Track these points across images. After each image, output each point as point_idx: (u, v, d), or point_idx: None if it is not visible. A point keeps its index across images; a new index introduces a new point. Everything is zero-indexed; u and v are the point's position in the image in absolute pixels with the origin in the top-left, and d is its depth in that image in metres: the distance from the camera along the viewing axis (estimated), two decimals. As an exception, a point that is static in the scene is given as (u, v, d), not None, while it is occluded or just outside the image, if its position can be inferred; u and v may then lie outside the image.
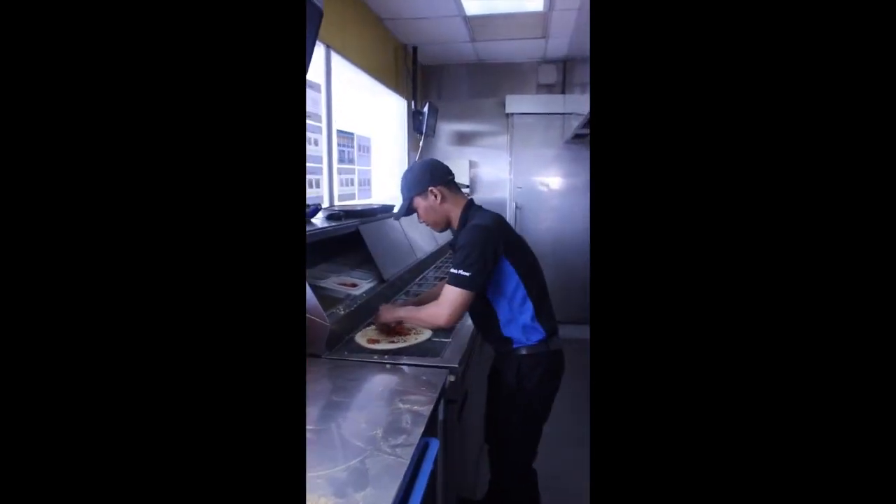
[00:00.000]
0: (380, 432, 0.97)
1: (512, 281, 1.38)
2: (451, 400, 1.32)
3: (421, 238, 2.66)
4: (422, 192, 1.44)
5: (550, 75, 4.08)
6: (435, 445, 1.05)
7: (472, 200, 1.49)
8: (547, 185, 4.18)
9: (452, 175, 1.49)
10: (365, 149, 3.04)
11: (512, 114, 4.10)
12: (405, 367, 1.34)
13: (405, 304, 1.65)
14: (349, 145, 2.78)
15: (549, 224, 4.15)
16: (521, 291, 1.39)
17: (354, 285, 1.82)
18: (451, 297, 1.33)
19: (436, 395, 1.15)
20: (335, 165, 2.58)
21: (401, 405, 1.10)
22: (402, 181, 1.48)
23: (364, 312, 1.68)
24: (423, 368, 1.32)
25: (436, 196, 1.43)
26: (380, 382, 1.26)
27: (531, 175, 4.18)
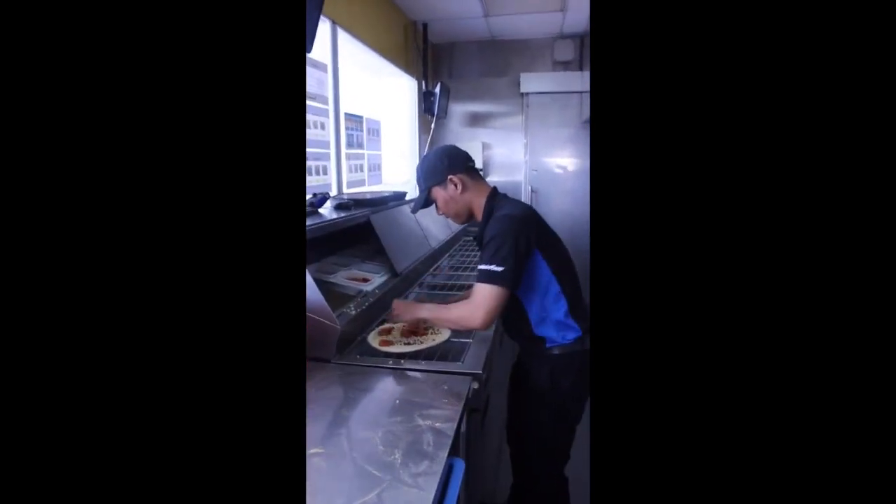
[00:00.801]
0: (398, 456, 0.86)
1: (545, 275, 1.25)
2: (473, 409, 1.20)
3: (434, 226, 2.54)
4: (440, 181, 1.31)
5: (567, 51, 3.88)
6: (460, 467, 0.94)
7: (496, 189, 1.35)
8: (564, 168, 4.01)
9: (472, 161, 1.36)
10: (375, 132, 2.90)
11: (527, 93, 3.91)
12: (424, 374, 1.22)
13: (423, 301, 1.53)
14: (358, 129, 2.64)
15: (566, 207, 3.99)
16: (555, 286, 1.26)
17: (366, 280, 1.70)
18: (484, 295, 1.19)
19: (459, 409, 1.04)
20: (343, 150, 2.44)
21: (421, 421, 0.98)
22: (418, 170, 1.35)
23: (377, 310, 1.56)
24: (443, 375, 1.21)
25: (456, 185, 1.30)
26: (395, 392, 1.15)
27: (547, 157, 4.01)
